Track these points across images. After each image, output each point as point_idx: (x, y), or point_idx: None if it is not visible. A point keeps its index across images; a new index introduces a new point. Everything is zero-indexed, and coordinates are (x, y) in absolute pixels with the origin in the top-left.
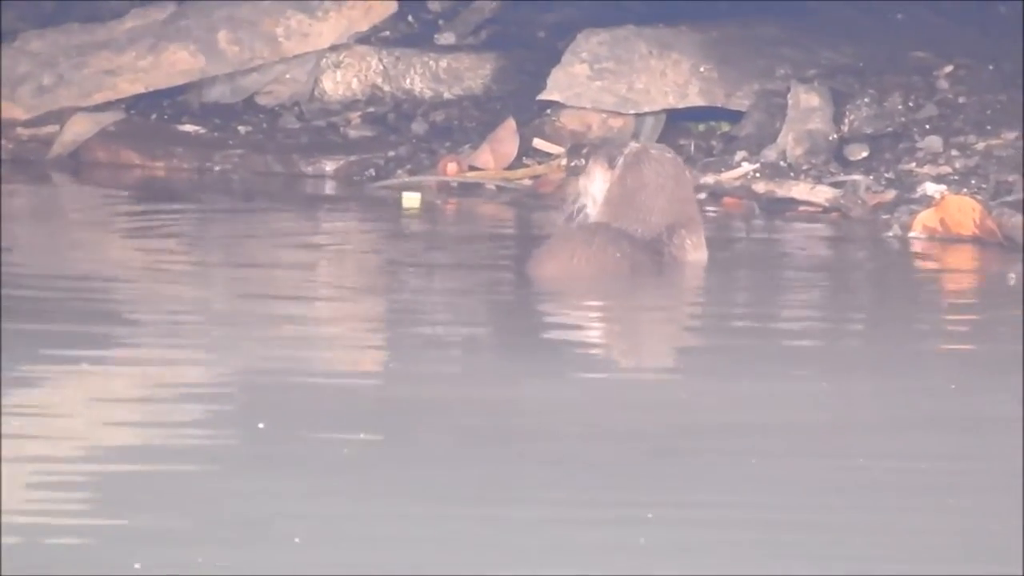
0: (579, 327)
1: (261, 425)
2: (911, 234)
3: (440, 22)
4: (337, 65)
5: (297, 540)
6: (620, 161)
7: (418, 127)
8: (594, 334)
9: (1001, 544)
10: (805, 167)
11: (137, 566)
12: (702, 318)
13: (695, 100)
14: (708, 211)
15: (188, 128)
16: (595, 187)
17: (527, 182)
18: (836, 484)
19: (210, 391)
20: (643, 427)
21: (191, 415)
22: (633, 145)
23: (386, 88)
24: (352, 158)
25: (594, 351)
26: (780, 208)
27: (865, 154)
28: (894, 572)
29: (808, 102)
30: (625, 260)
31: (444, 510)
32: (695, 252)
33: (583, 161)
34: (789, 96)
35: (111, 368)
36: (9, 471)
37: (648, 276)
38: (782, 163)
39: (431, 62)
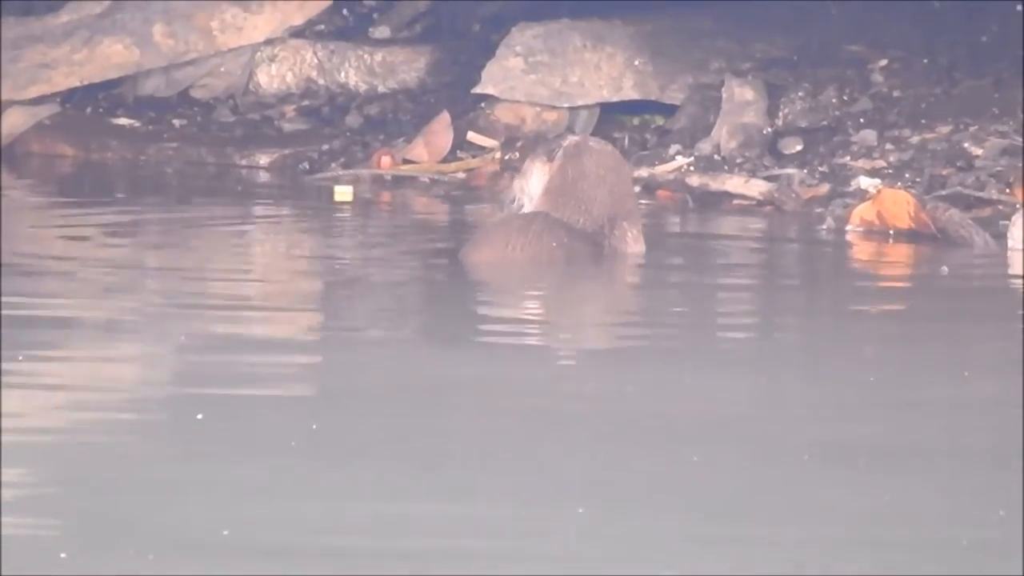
0: (513, 318)
1: (200, 416)
2: (847, 227)
3: (375, 16)
4: (272, 59)
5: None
6: (559, 152)
7: (352, 120)
8: (528, 325)
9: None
10: (739, 160)
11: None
12: (635, 312)
13: (629, 93)
14: (642, 204)
15: (123, 121)
16: (532, 184)
17: (461, 175)
18: (764, 472)
19: (143, 386)
20: (570, 414)
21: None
22: (572, 137)
23: (320, 81)
24: (286, 151)
25: (527, 340)
26: (714, 201)
27: (799, 148)
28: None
29: (742, 95)
30: (562, 249)
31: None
32: (634, 244)
33: (517, 155)
34: (723, 89)
35: (37, 366)
36: None
37: (584, 265)
38: (716, 156)
39: (365, 56)
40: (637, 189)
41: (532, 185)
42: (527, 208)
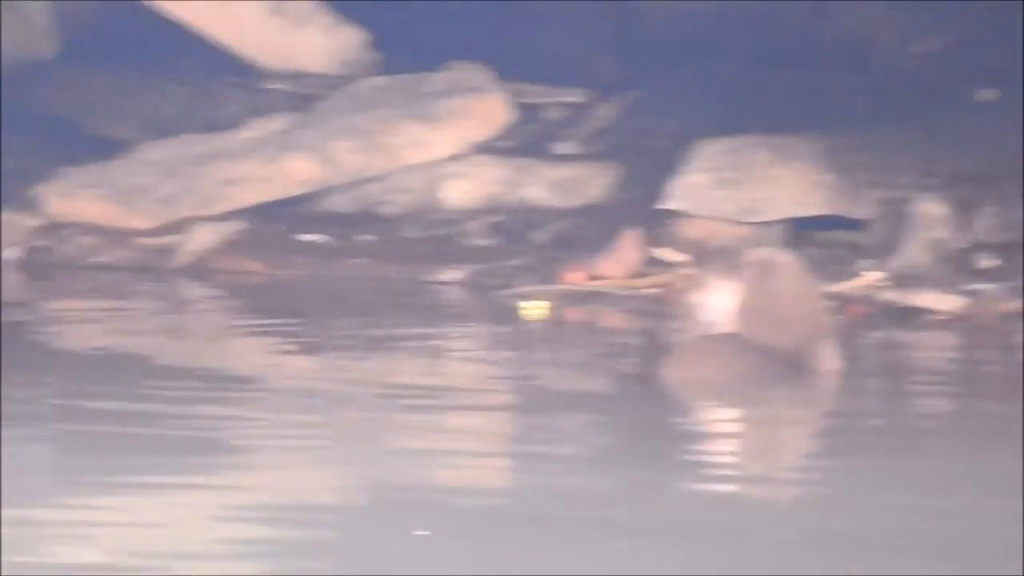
0: (712, 435)
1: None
2: None
3: (559, 131)
4: (456, 175)
5: None
6: (748, 269)
7: (540, 236)
8: (727, 443)
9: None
10: (931, 275)
11: None
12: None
13: (817, 209)
14: (833, 320)
15: (309, 237)
16: (716, 300)
17: (650, 290)
18: None
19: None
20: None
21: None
22: (758, 252)
23: (506, 197)
24: (474, 267)
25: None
26: (906, 316)
27: (992, 262)
28: None
29: (932, 210)
30: (756, 370)
31: None
32: (829, 362)
33: (705, 269)
34: (912, 204)
35: (226, 480)
36: None
37: (780, 386)
38: (907, 271)
39: (551, 171)
40: (828, 305)
41: (716, 301)
42: (717, 326)
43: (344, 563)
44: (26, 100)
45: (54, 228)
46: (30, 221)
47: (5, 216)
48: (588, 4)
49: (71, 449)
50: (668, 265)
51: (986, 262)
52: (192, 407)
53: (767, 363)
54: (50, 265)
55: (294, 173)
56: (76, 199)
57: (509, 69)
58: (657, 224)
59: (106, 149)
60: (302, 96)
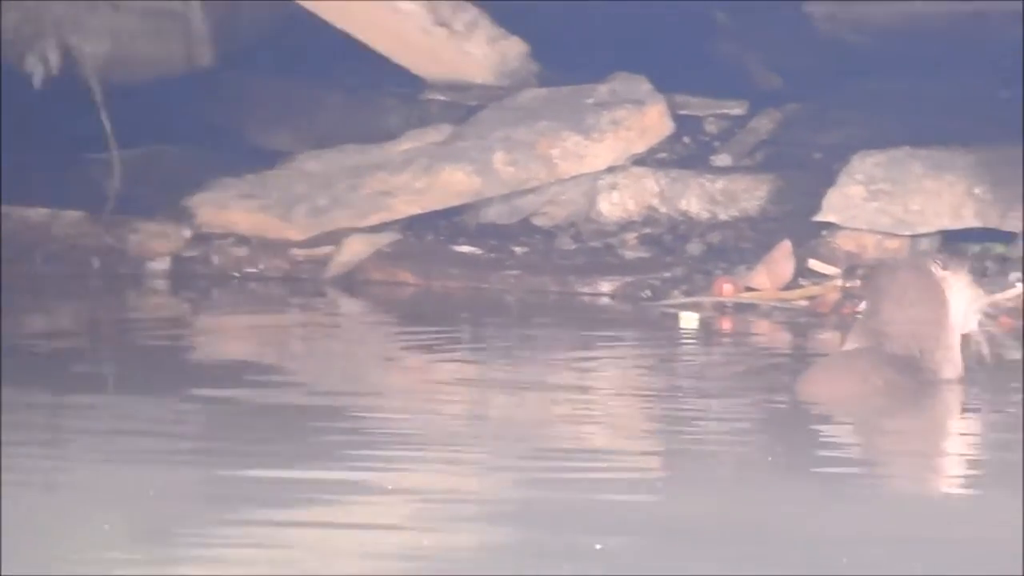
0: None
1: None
2: None
3: (716, 144)
4: (613, 186)
5: None
6: (878, 279)
7: (694, 248)
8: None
9: None
10: None
11: None
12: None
13: (970, 221)
14: (984, 332)
15: (464, 249)
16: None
17: (803, 303)
18: None
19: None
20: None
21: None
22: (891, 262)
23: (662, 209)
24: (628, 279)
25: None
26: None
27: None
28: None
29: None
30: (886, 385)
31: None
32: (948, 371)
33: (858, 281)
34: None
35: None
36: None
37: (909, 397)
38: None
39: (707, 183)
40: (979, 316)
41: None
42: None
43: None
44: (184, 109)
45: (206, 239)
46: (183, 232)
47: (157, 227)
48: (751, 15)
49: None
50: (821, 277)
51: None
52: None
53: (895, 378)
54: (199, 276)
55: (451, 184)
56: (230, 210)
57: (670, 80)
58: (812, 236)
59: (263, 159)
60: (462, 107)
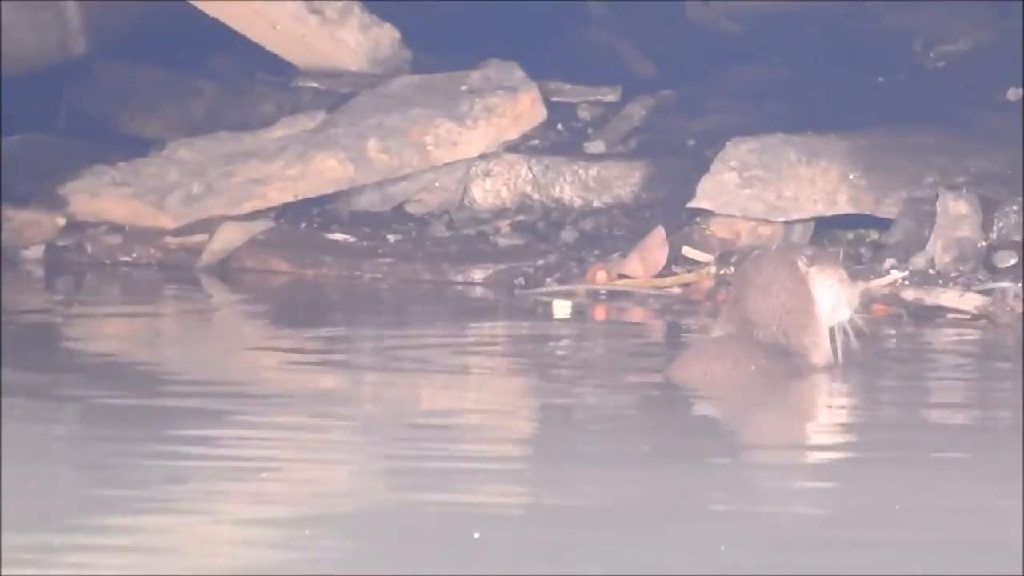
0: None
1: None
2: None
3: (589, 130)
4: (487, 174)
5: None
6: (745, 266)
7: (567, 235)
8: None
9: None
10: (953, 274)
11: None
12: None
13: (844, 208)
14: (857, 318)
15: (337, 237)
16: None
17: (676, 290)
18: None
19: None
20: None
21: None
22: (757, 252)
23: (535, 196)
24: (501, 266)
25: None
26: (928, 315)
27: (1014, 261)
28: None
29: (957, 210)
30: (758, 370)
31: None
32: (818, 355)
33: (732, 269)
34: (938, 204)
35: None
36: None
37: (783, 382)
38: (930, 271)
39: (580, 171)
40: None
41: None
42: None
43: None
44: (57, 99)
45: (80, 227)
46: (56, 220)
47: (31, 215)
48: (624, 2)
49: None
50: (695, 264)
51: (1008, 261)
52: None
53: (772, 361)
54: (72, 264)
55: (324, 172)
56: (103, 198)
57: (543, 67)
58: (685, 224)
59: (136, 148)
60: (335, 94)
